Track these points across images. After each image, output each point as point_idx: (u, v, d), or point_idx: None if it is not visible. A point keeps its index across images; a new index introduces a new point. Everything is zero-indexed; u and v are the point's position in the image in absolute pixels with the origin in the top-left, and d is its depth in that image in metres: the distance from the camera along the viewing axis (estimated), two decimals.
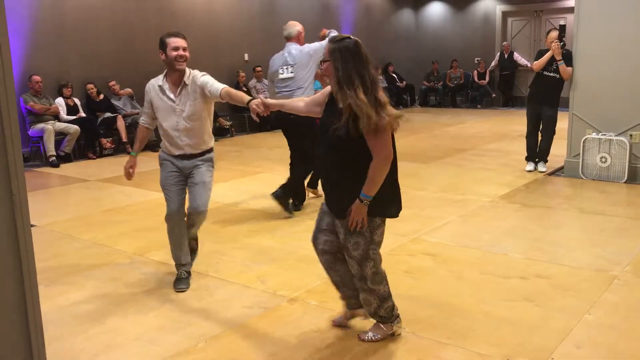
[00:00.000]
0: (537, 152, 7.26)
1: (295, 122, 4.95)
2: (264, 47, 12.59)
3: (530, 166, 7.27)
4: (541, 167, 7.23)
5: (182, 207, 3.85)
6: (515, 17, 15.75)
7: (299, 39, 5.64)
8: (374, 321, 3.14)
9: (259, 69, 11.81)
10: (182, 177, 3.84)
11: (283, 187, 5.49)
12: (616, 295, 3.62)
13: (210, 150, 3.92)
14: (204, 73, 3.81)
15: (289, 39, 5.60)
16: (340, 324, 3.28)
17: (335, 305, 3.54)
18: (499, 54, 15.34)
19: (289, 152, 5.80)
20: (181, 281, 3.90)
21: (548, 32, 7.12)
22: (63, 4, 9.19)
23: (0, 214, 1.49)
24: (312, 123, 4.91)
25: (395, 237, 4.81)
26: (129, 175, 3.92)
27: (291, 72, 5.43)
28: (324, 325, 3.29)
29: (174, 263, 4.00)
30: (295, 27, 5.62)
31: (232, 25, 11.87)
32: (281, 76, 5.48)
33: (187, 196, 3.87)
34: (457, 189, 6.46)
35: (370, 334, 3.13)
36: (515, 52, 15.20)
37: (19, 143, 1.55)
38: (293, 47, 5.57)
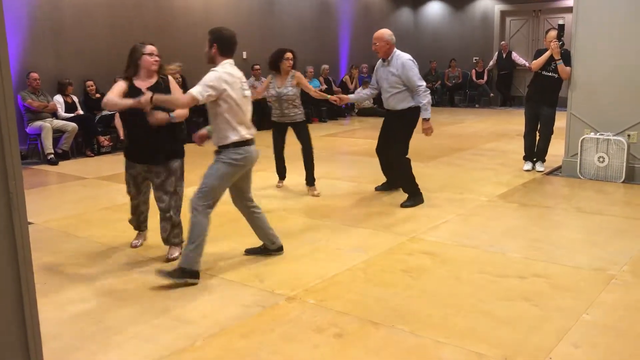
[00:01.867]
0: (535, 151, 7.27)
1: None
2: (263, 45, 12.56)
3: (528, 165, 7.28)
4: (539, 166, 7.23)
5: (235, 199, 4.28)
6: (514, 17, 15.75)
7: None
8: None
9: (257, 67, 11.78)
10: None
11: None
12: (614, 295, 3.63)
13: (223, 147, 3.95)
14: (213, 70, 3.89)
15: None
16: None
17: (334, 304, 3.54)
18: (497, 53, 15.35)
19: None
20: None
21: (547, 32, 7.13)
22: (60, 1, 9.16)
23: None
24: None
25: (394, 236, 4.81)
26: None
27: None
28: (323, 324, 3.29)
29: (171, 262, 4.06)
30: None
31: (230, 23, 11.75)
32: None
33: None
34: (455, 188, 6.46)
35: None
36: (513, 52, 15.21)
37: (16, 142, 1.54)
38: None
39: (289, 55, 6.26)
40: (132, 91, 4.18)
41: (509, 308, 3.47)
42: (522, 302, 3.54)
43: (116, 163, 8.47)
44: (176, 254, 4.34)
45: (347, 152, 8.73)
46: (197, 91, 3.74)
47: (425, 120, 5.68)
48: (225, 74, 3.85)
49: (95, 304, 3.64)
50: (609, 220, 5.20)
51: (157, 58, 4.37)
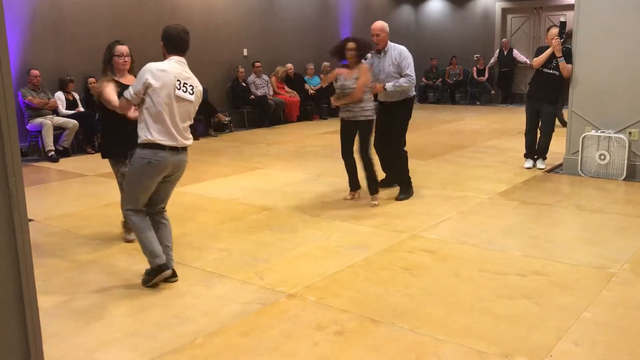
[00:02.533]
0: (536, 149, 7.26)
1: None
2: (263, 42, 12.56)
3: (529, 163, 7.27)
4: (540, 164, 7.22)
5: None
6: (515, 14, 15.72)
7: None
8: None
9: (258, 64, 11.77)
10: None
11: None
12: (614, 293, 3.63)
13: (140, 145, 3.71)
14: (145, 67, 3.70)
15: None
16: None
17: (334, 301, 3.54)
18: (498, 50, 15.32)
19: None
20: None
21: (548, 29, 7.12)
22: None
23: None
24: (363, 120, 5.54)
25: (394, 234, 4.81)
26: None
27: None
28: (323, 321, 3.29)
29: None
30: None
31: (230, 20, 11.84)
32: None
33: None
34: (455, 185, 6.45)
35: None
36: (514, 49, 15.18)
37: (16, 139, 1.54)
38: None
39: (350, 45, 5.56)
40: (123, 88, 4.20)
41: (509, 306, 3.46)
42: (522, 300, 3.54)
43: None
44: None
45: None
46: (127, 91, 3.69)
47: (382, 86, 5.71)
48: (156, 68, 3.61)
49: (95, 301, 3.64)
50: (609, 218, 5.20)
51: (126, 59, 4.40)
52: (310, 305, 3.51)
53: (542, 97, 7.01)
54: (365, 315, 3.35)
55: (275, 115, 12.02)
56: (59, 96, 8.92)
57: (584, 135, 6.72)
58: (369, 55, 5.82)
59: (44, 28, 8.98)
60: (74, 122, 8.70)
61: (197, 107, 3.87)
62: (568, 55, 6.76)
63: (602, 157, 6.62)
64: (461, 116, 12.83)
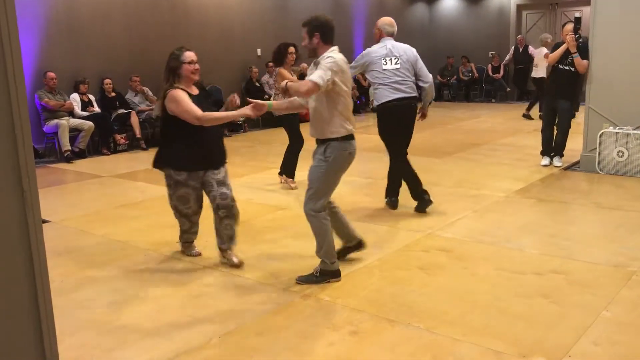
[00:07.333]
0: (552, 146, 7.18)
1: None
2: (277, 42, 12.52)
3: (545, 160, 7.20)
4: (557, 161, 7.15)
5: None
6: (530, 10, 15.59)
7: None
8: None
9: (271, 64, 11.77)
10: None
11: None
12: (634, 292, 3.57)
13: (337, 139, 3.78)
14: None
15: (391, 35, 5.67)
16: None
17: (349, 301, 3.53)
18: (513, 47, 15.19)
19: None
20: None
21: (564, 25, 7.04)
22: (76, 0, 9.22)
23: (11, 211, 1.48)
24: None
25: (409, 233, 4.78)
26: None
27: (397, 64, 5.52)
28: (338, 321, 3.27)
29: (187, 258, 4.15)
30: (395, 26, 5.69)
31: (244, 20, 11.86)
32: (385, 67, 5.48)
33: None
34: (471, 184, 6.40)
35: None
36: (530, 46, 15.03)
37: (29, 140, 1.55)
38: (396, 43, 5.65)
39: (291, 49, 6.23)
40: (194, 99, 3.96)
41: (526, 305, 3.42)
42: (539, 299, 3.50)
43: (132, 161, 8.53)
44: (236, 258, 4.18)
45: (361, 149, 8.69)
46: (318, 76, 3.52)
47: None
48: (340, 59, 3.66)
49: (112, 302, 3.66)
50: (628, 215, 5.12)
51: (197, 66, 4.02)
52: (325, 305, 3.50)
53: (558, 94, 6.93)
54: (381, 315, 3.33)
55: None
56: (75, 98, 8.99)
57: (601, 132, 6.63)
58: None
59: (60, 31, 9.06)
60: (90, 123, 8.76)
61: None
62: (585, 51, 6.68)
63: (620, 154, 6.54)
64: (476, 114, 12.74)
